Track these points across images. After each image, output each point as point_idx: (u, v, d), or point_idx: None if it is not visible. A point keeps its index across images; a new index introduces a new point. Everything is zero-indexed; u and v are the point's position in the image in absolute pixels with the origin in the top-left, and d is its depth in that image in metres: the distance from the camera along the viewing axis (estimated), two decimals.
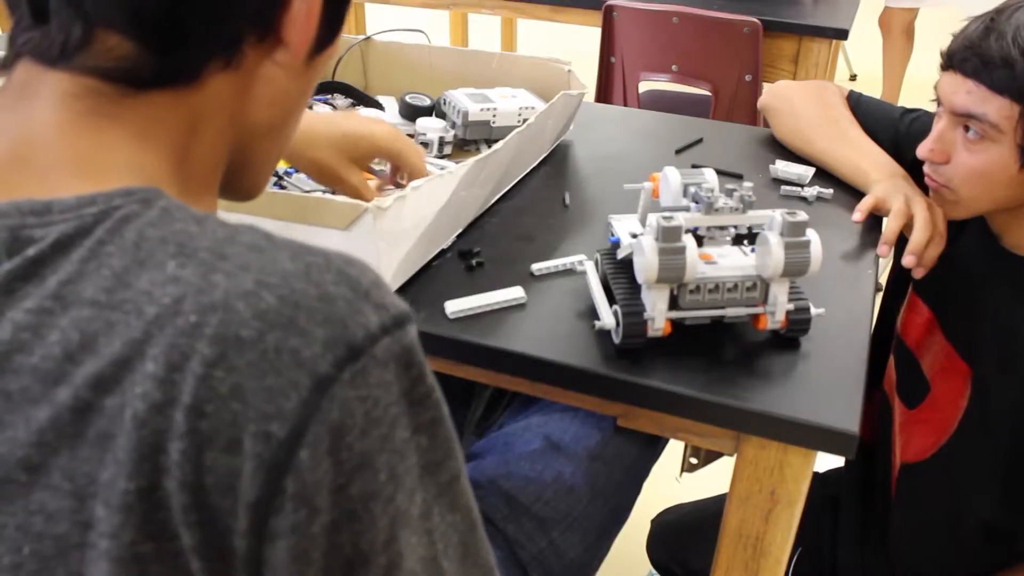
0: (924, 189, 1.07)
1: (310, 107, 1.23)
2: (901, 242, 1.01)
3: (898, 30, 3.56)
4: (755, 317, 0.81)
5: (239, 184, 0.57)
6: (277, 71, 0.50)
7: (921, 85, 3.86)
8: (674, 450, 1.24)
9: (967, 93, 0.90)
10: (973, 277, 1.03)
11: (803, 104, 1.20)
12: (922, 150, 0.97)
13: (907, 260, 0.98)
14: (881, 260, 1.01)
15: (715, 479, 1.81)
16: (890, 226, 1.00)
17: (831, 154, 1.14)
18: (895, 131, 1.14)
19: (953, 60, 0.92)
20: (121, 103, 0.46)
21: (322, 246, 0.43)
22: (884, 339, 1.20)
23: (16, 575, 0.40)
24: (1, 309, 0.40)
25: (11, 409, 0.39)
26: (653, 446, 0.98)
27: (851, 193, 1.12)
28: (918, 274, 1.01)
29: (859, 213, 1.03)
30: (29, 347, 0.40)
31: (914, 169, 1.12)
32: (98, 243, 0.41)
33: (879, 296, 1.08)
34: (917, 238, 0.97)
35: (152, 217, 0.42)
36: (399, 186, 0.79)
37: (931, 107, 1.13)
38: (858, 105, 1.20)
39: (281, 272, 0.40)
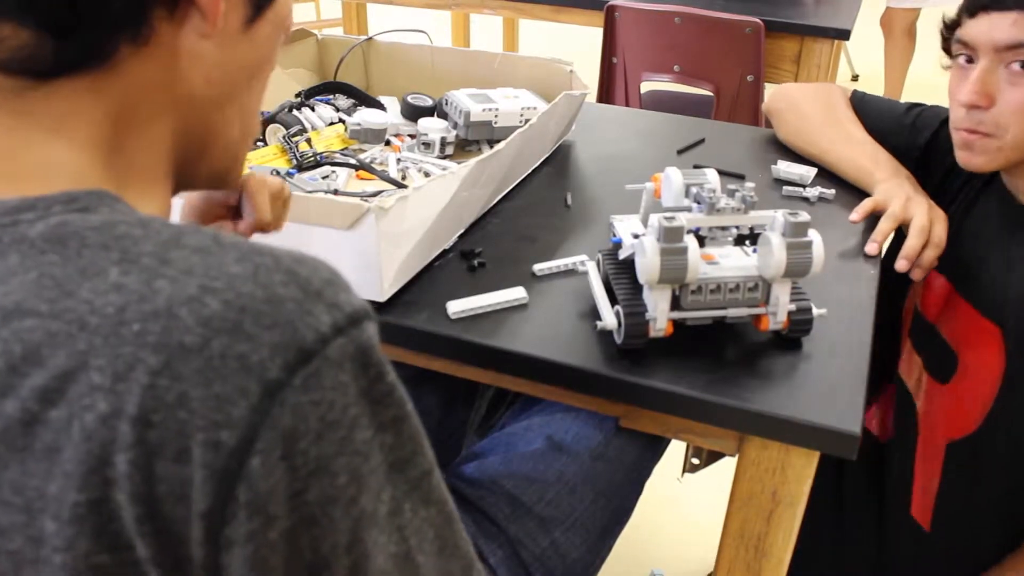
0: (926, 188, 1.07)
1: (312, 108, 1.23)
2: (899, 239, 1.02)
3: (900, 30, 3.56)
4: (757, 318, 0.81)
5: (206, 171, 0.55)
6: (203, 44, 0.47)
7: (922, 85, 3.88)
8: (676, 450, 1.24)
9: (1012, 24, 0.90)
10: (990, 239, 1.03)
11: (807, 106, 1.21)
12: (964, 96, 0.95)
13: (899, 264, 0.99)
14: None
15: (716, 480, 1.81)
16: (881, 227, 1.01)
17: (834, 154, 1.15)
18: (900, 125, 1.15)
19: (985, 0, 0.92)
20: (29, 98, 0.44)
21: (274, 245, 0.42)
22: (890, 328, 1.19)
23: None
24: None
25: None
26: (655, 446, 0.98)
27: (853, 194, 1.12)
28: (916, 276, 1.01)
29: (856, 214, 1.05)
30: None
31: (923, 160, 1.13)
32: (39, 252, 0.40)
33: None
34: (911, 244, 0.98)
35: (94, 222, 0.41)
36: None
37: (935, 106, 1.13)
38: (862, 105, 1.20)
39: (227, 275, 0.39)
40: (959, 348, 1.06)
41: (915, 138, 1.13)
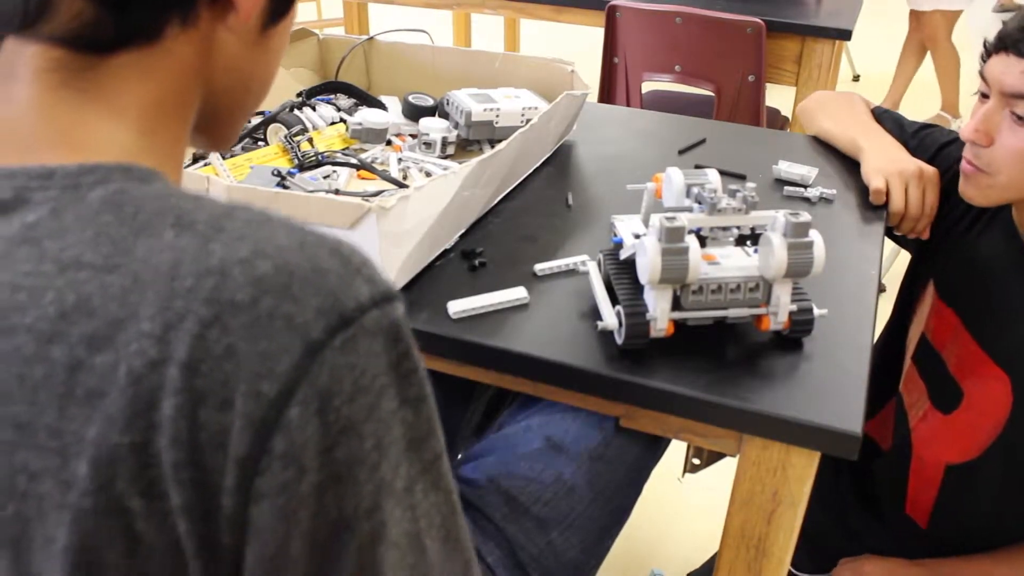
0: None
1: (313, 108, 1.23)
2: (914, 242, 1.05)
3: (943, 37, 3.52)
4: (758, 318, 0.81)
5: (206, 138, 0.58)
6: (230, 37, 0.51)
7: (925, 85, 3.87)
8: (676, 450, 1.24)
9: (1021, 73, 0.91)
10: (997, 278, 1.04)
11: (834, 105, 1.29)
12: (966, 132, 0.98)
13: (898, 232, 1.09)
14: (884, 261, 1.02)
15: (717, 480, 1.81)
16: (892, 223, 1.09)
17: (844, 135, 1.23)
18: (904, 143, 1.17)
19: (1007, 41, 0.93)
20: (89, 76, 0.47)
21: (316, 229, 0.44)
22: (898, 346, 1.20)
23: None
24: None
25: (7, 369, 0.40)
26: (655, 447, 0.98)
27: (854, 194, 1.13)
28: (924, 235, 1.10)
29: (874, 198, 1.11)
30: (24, 308, 0.40)
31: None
32: (95, 212, 0.42)
33: (882, 303, 1.09)
34: (907, 228, 1.09)
35: (150, 192, 0.43)
36: None
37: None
38: (881, 119, 1.24)
39: (276, 245, 0.41)
40: (964, 383, 1.06)
41: (918, 155, 1.15)
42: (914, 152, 1.14)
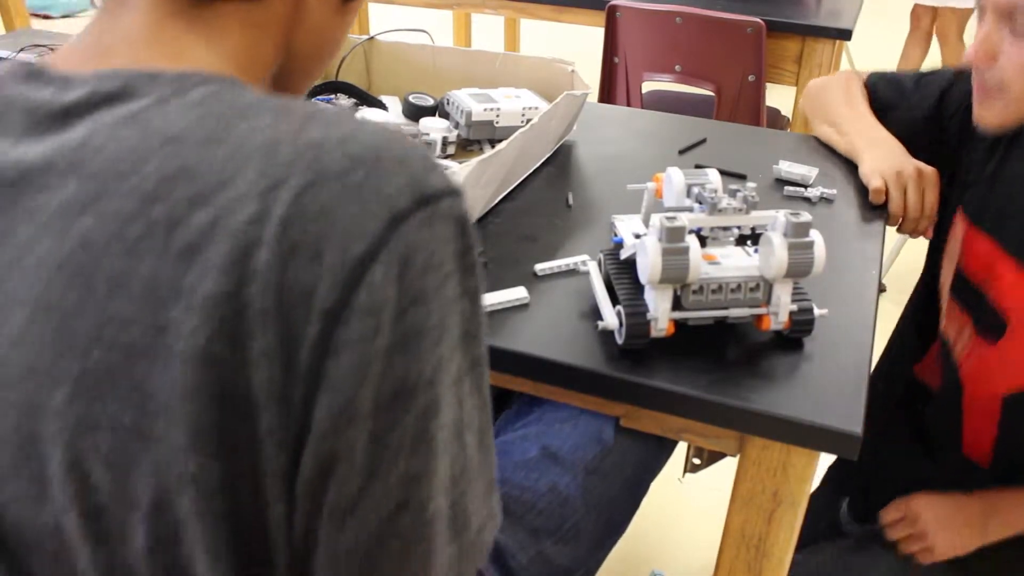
0: (947, 151, 1.11)
1: None
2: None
3: (954, 33, 3.51)
4: (758, 318, 0.81)
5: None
6: (319, 4, 0.56)
7: None
8: (677, 450, 1.24)
9: None
10: None
11: (830, 101, 1.28)
12: (968, 55, 0.98)
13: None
14: (884, 261, 1.02)
15: (717, 480, 1.81)
16: (892, 223, 1.09)
17: (842, 141, 1.23)
18: (908, 101, 1.17)
19: None
20: (197, 14, 0.51)
21: None
22: (934, 287, 1.18)
23: (79, 385, 0.43)
24: (104, 142, 0.45)
25: (104, 227, 0.43)
26: (654, 462, 0.97)
27: (854, 194, 1.13)
28: (927, 235, 1.09)
29: (874, 198, 1.11)
30: (126, 175, 0.43)
31: (937, 126, 1.15)
32: (198, 102, 0.46)
33: (883, 303, 1.08)
34: (908, 228, 1.09)
35: (248, 96, 0.47)
36: None
37: None
38: (876, 90, 1.24)
39: (367, 131, 0.45)
40: (1008, 309, 1.04)
41: (923, 109, 1.15)
42: (919, 105, 1.14)
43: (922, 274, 1.24)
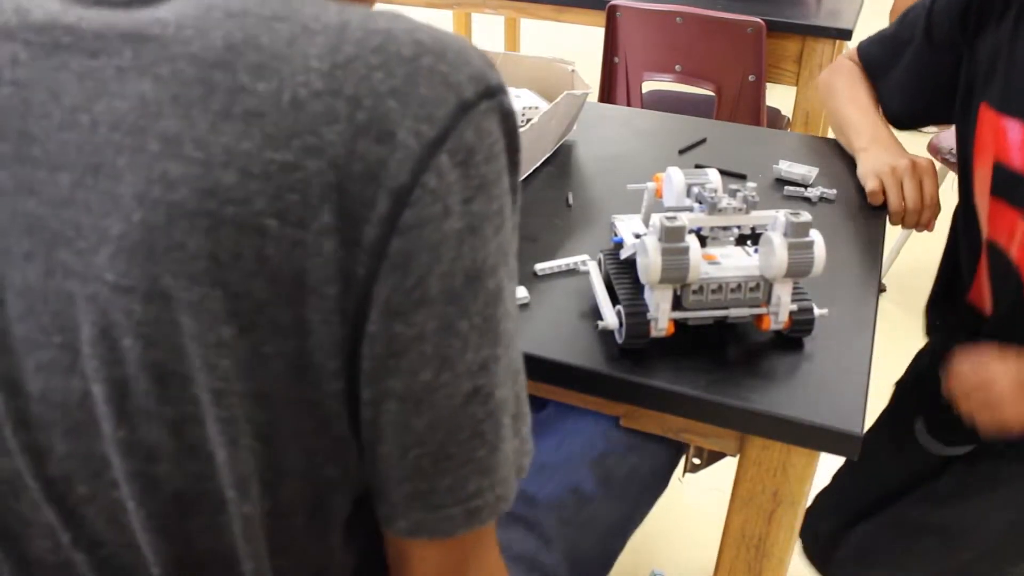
0: (971, 37, 1.08)
1: None
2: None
3: None
4: (758, 318, 0.81)
5: None
6: None
7: None
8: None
9: None
10: None
11: (837, 99, 1.28)
12: None
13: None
14: (884, 261, 1.01)
15: (717, 480, 1.81)
16: (893, 223, 1.08)
17: (844, 140, 1.23)
18: (904, 41, 1.17)
19: None
20: None
21: None
22: (970, 207, 1.14)
23: (121, 244, 0.42)
24: (164, 15, 0.43)
25: (163, 89, 0.42)
26: (636, 512, 0.91)
27: (854, 194, 1.13)
28: (930, 227, 1.08)
29: (871, 200, 1.11)
30: (189, 40, 0.42)
31: (952, 27, 1.10)
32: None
33: (883, 302, 1.07)
34: (911, 222, 1.07)
35: None
36: None
37: None
38: (867, 56, 1.24)
39: (429, 27, 0.45)
40: None
41: (919, 36, 1.13)
42: (914, 37, 1.13)
43: (955, 209, 1.19)
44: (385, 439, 0.46)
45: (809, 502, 1.06)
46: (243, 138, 0.41)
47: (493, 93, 0.45)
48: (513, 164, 0.47)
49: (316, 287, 0.42)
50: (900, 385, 1.34)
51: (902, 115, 1.22)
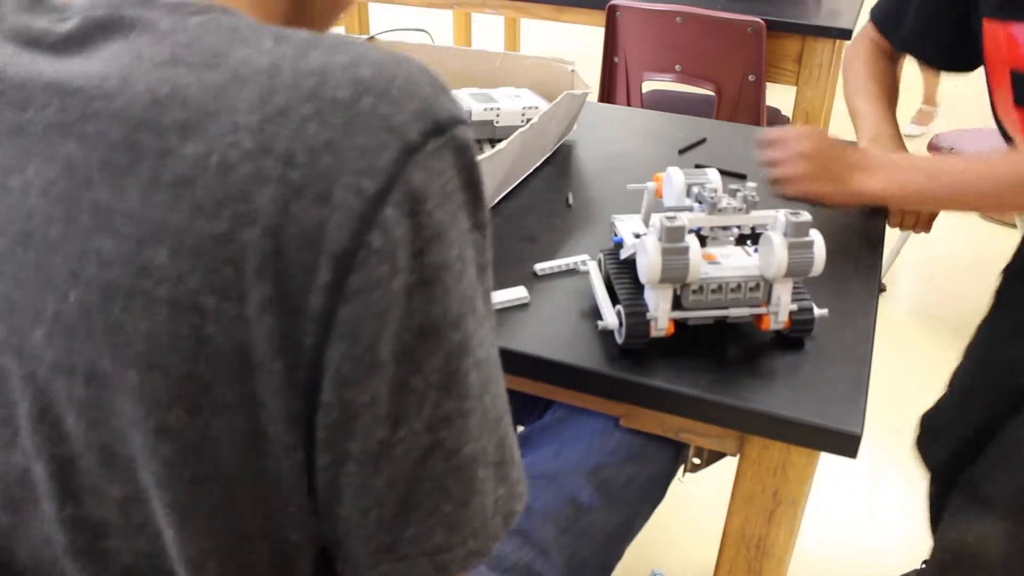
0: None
1: None
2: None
3: None
4: (758, 317, 0.81)
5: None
6: None
7: (905, 84, 3.86)
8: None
9: None
10: None
11: (853, 97, 1.27)
12: None
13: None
14: (884, 262, 1.01)
15: (717, 480, 1.81)
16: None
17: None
18: (905, 11, 1.17)
19: None
20: None
21: None
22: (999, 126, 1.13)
23: (56, 324, 0.40)
24: (90, 63, 0.41)
25: (89, 153, 0.40)
26: (632, 524, 0.91)
27: None
28: (927, 230, 1.08)
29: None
30: (112, 95, 0.40)
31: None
32: (197, 26, 0.42)
33: (887, 291, 1.08)
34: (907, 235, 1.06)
35: (248, 21, 0.43)
36: None
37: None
38: (883, 20, 1.23)
39: (372, 57, 0.42)
40: None
41: None
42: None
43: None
44: (344, 501, 0.44)
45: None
46: (173, 210, 0.38)
47: (443, 128, 0.41)
48: (474, 199, 0.44)
49: (262, 362, 0.40)
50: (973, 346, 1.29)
51: (936, 59, 1.20)
